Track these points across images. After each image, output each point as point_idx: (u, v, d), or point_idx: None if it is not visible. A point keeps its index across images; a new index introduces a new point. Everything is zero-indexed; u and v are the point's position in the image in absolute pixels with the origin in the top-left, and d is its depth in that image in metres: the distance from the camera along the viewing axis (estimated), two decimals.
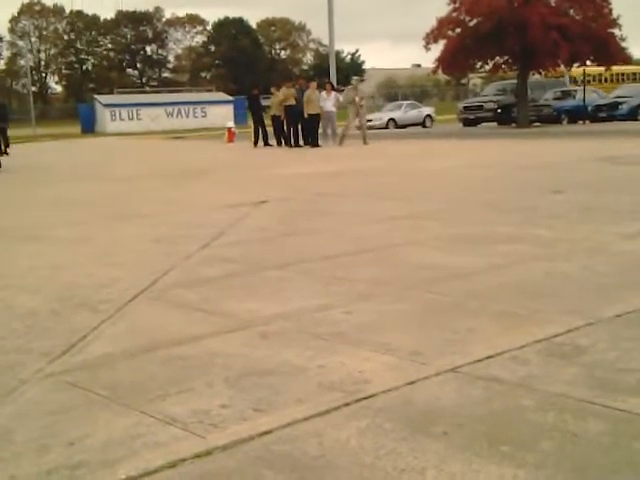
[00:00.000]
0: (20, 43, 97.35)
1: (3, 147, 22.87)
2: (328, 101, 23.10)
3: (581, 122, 29.88)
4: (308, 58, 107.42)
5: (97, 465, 2.67)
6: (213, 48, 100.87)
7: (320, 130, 23.38)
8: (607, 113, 30.31)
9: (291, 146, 23.21)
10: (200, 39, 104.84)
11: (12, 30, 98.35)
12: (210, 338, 4.13)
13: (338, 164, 16.46)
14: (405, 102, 43.75)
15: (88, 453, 2.77)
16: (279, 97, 23.54)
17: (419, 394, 3.22)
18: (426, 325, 4.22)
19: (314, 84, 23.60)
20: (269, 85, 27.59)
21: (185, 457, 2.69)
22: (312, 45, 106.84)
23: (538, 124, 30.22)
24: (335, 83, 27.79)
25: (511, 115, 30.92)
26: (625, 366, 3.44)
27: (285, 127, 23.66)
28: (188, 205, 10.32)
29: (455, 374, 3.44)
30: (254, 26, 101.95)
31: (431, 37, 29.48)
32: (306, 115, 22.58)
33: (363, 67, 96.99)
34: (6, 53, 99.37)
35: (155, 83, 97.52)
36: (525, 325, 4.13)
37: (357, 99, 23.10)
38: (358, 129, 23.56)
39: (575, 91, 32.34)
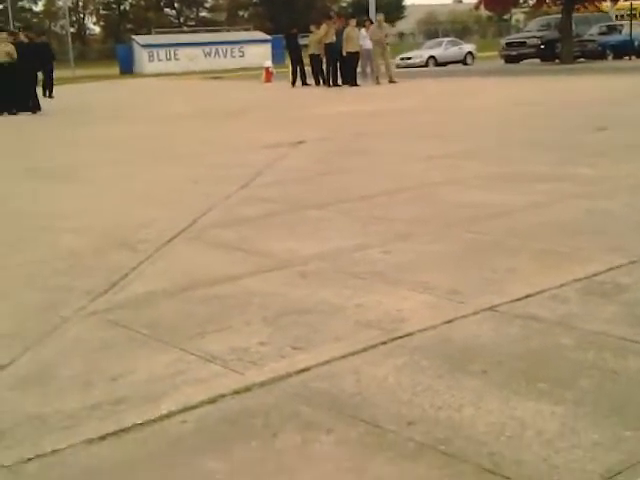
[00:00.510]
0: None
1: (48, 90, 22.83)
2: (367, 39, 22.73)
3: (627, 58, 29.01)
4: None
5: (139, 400, 2.73)
6: None
7: (359, 69, 23.06)
8: None
9: (329, 85, 22.94)
10: None
11: None
12: (248, 277, 4.15)
13: (377, 103, 16.26)
14: (446, 39, 42.82)
15: (130, 389, 2.83)
16: (319, 35, 23.16)
17: (457, 332, 3.22)
18: (465, 264, 4.19)
19: (353, 22, 23.14)
20: (307, 24, 27.14)
21: (224, 393, 2.73)
22: None
23: (582, 60, 29.45)
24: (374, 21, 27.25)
25: (554, 51, 30.10)
26: None
27: (324, 66, 23.36)
28: (226, 145, 10.31)
29: (493, 313, 3.42)
30: None
31: None
32: (345, 53, 22.23)
33: (403, 4, 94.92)
34: None
35: (193, 23, 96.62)
36: (565, 264, 4.08)
37: (383, 36, 22.80)
38: (383, 67, 23.20)
39: (621, 26, 31.32)
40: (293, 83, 24.36)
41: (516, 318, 3.34)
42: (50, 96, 22.53)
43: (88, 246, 5.03)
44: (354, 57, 22.53)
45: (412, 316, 3.42)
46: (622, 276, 3.81)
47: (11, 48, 17.97)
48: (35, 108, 18.02)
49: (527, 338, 3.11)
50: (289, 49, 25.59)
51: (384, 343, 3.13)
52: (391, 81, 22.50)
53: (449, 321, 3.33)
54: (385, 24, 24.25)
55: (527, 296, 3.60)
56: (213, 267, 4.41)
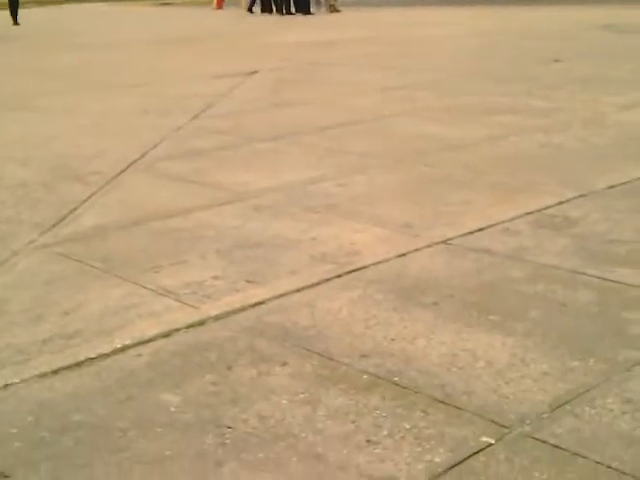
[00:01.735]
0: None
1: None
2: None
3: None
4: None
5: (92, 334, 2.71)
6: None
7: None
8: None
9: (283, 13, 22.47)
10: None
11: None
12: (202, 210, 4.11)
13: (330, 33, 16.02)
14: None
15: (83, 322, 2.80)
16: None
17: (410, 266, 3.24)
18: (418, 197, 4.21)
19: None
20: None
21: (179, 327, 2.72)
22: None
23: None
24: None
25: None
26: (616, 237, 3.46)
27: None
28: (177, 75, 10.08)
29: (446, 246, 3.45)
30: None
31: None
32: None
33: None
34: None
35: None
36: (517, 197, 4.12)
37: None
38: None
39: None
40: (250, 9, 23.80)
41: (469, 251, 3.37)
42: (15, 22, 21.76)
43: (36, 177, 4.92)
44: None
45: (366, 249, 3.43)
46: (573, 209, 3.87)
47: None
48: None
49: (479, 271, 3.14)
50: None
51: (339, 276, 3.14)
52: (334, 10, 22.08)
53: (403, 254, 3.36)
54: None
55: (480, 229, 3.63)
56: (165, 200, 4.36)
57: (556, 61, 9.30)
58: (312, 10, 22.21)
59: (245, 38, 15.85)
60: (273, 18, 21.96)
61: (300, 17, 21.56)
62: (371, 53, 11.64)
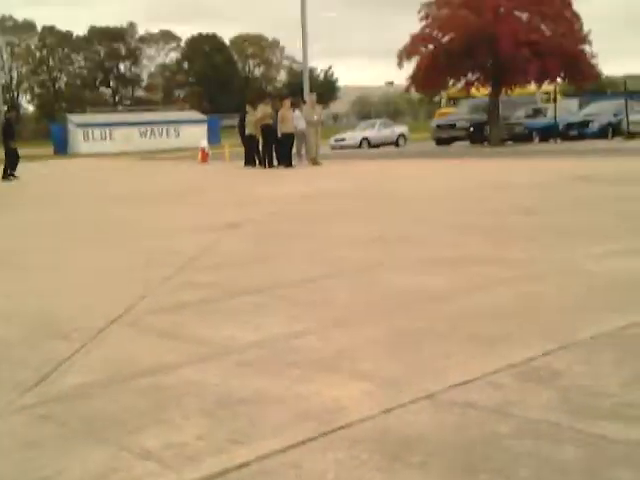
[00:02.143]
0: None
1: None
2: (301, 119, 23.11)
3: (552, 140, 30.16)
4: (282, 75, 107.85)
5: None
6: (187, 65, 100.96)
7: (294, 150, 23.38)
8: (578, 131, 30.64)
9: (265, 167, 23.13)
10: (174, 56, 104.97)
11: None
12: (185, 367, 4.10)
13: (312, 185, 16.49)
14: (378, 121, 43.92)
15: None
16: (255, 116, 23.41)
17: (395, 422, 3.22)
18: (401, 351, 4.22)
19: (287, 102, 23.53)
20: (243, 104, 27.46)
21: None
22: (286, 62, 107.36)
23: (510, 142, 30.48)
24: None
25: (483, 134, 31.17)
26: (601, 390, 3.47)
27: (260, 147, 23.54)
28: (161, 228, 10.27)
29: (431, 400, 3.44)
30: (227, 43, 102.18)
31: (404, 54, 29.66)
32: (280, 134, 22.52)
33: (336, 85, 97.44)
34: None
35: (128, 102, 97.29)
36: (500, 348, 4.14)
37: (316, 117, 23.17)
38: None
39: (546, 109, 32.61)
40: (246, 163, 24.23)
41: (454, 406, 3.36)
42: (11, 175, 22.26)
43: (18, 334, 4.91)
44: (289, 138, 22.82)
45: (350, 405, 3.41)
46: (556, 361, 3.89)
47: None
48: None
49: (465, 427, 3.12)
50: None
51: (324, 435, 3.11)
52: (315, 163, 22.68)
53: (387, 410, 3.33)
54: (317, 105, 24.65)
55: (464, 382, 3.63)
56: (149, 356, 4.34)
57: (530, 213, 9.58)
58: (294, 163, 22.91)
59: (227, 192, 16.27)
60: (256, 171, 22.61)
61: (282, 170, 22.21)
62: (351, 205, 11.95)
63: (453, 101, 39.75)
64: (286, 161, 22.72)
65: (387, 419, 3.25)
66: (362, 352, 4.22)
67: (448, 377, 3.72)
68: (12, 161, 22.78)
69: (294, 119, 22.83)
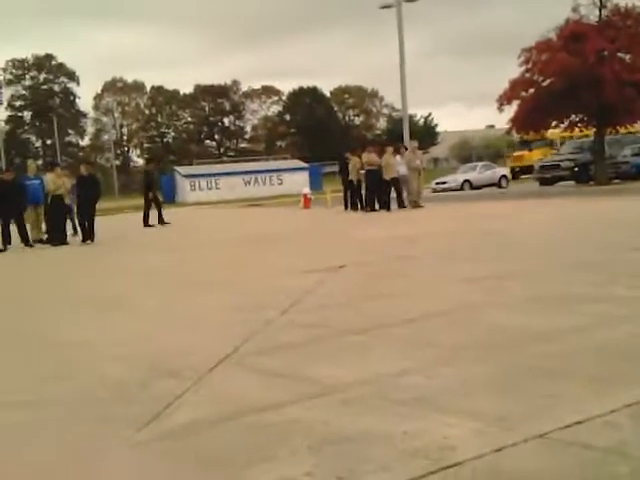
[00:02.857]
0: (104, 119, 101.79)
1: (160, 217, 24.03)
2: (403, 165, 23.35)
3: None
4: (381, 123, 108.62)
5: None
6: (288, 117, 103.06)
7: (393, 194, 23.53)
8: None
9: (367, 211, 23.33)
10: (275, 109, 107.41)
11: (96, 107, 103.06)
12: (292, 405, 4.13)
13: (415, 227, 16.45)
14: (480, 163, 43.65)
15: None
16: (360, 162, 23.92)
17: (507, 461, 3.14)
18: (510, 389, 4.13)
19: (390, 149, 23.83)
20: (343, 150, 27.82)
21: None
22: (385, 110, 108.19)
23: (617, 181, 29.64)
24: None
25: (589, 173, 30.42)
26: None
27: (363, 191, 23.95)
28: (267, 271, 10.44)
29: (543, 440, 3.34)
30: (328, 94, 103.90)
31: (504, 99, 29.44)
32: (385, 179, 22.86)
33: (436, 130, 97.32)
34: (90, 129, 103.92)
35: (232, 153, 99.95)
36: (614, 388, 4.00)
37: (418, 162, 23.48)
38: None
39: None
40: (345, 207, 24.81)
41: (568, 446, 3.25)
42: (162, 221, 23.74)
43: (132, 374, 5.06)
44: (393, 183, 23.07)
45: (460, 444, 3.35)
46: None
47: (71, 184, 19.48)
48: (88, 237, 18.62)
49: (581, 467, 3.02)
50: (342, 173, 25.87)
51: (433, 473, 3.06)
52: (416, 206, 22.86)
53: (498, 449, 3.26)
54: (418, 150, 24.92)
55: (577, 422, 3.52)
56: (256, 394, 4.40)
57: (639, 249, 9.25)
58: (395, 206, 23.03)
59: (331, 235, 16.41)
60: (358, 215, 22.78)
61: (384, 213, 22.30)
62: (457, 245, 11.84)
63: (528, 143, 39.73)
64: (386, 205, 22.93)
65: (498, 458, 3.18)
66: (469, 390, 4.14)
67: (561, 417, 3.60)
68: (149, 209, 24.23)
69: (396, 164, 23.13)
